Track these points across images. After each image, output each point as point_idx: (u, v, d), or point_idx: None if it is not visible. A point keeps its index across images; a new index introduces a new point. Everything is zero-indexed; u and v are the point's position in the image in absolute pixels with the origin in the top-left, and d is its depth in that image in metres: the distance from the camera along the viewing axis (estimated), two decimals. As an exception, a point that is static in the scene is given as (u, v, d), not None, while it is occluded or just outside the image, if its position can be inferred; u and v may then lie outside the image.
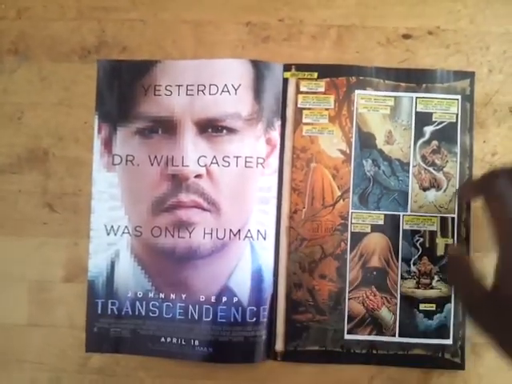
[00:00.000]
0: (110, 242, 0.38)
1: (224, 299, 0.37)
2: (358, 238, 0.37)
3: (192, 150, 0.37)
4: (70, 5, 0.39)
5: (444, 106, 0.37)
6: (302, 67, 0.38)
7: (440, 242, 0.37)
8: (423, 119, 0.37)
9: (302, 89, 0.38)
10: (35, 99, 0.39)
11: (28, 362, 0.38)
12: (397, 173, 0.37)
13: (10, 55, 0.39)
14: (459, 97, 0.37)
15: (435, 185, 0.37)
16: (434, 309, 0.37)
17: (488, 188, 0.29)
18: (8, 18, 0.39)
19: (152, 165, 0.38)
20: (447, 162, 0.37)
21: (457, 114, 0.37)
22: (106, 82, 0.38)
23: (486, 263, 0.37)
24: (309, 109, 0.37)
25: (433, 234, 0.37)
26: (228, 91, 0.37)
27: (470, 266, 0.32)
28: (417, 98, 0.37)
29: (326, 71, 0.37)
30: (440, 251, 0.37)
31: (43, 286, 0.38)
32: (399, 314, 0.37)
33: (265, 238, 0.37)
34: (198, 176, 0.37)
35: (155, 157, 0.38)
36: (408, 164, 0.37)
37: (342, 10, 0.38)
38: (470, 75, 0.37)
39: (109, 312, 0.38)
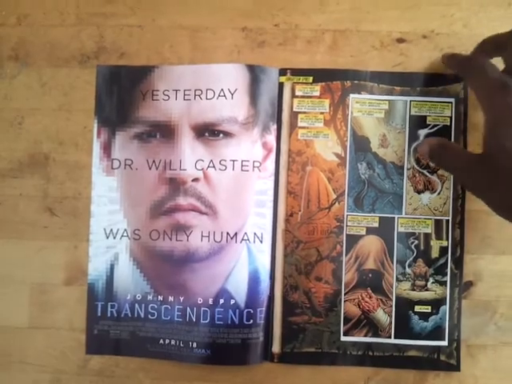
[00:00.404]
0: (110, 246, 0.38)
1: (221, 301, 0.37)
2: (353, 240, 0.38)
3: (189, 154, 0.38)
4: (69, 11, 0.40)
5: (438, 110, 0.37)
6: (297, 72, 0.38)
7: (434, 245, 0.37)
8: (417, 122, 0.38)
9: (298, 93, 0.38)
10: (35, 105, 0.40)
11: (29, 363, 0.39)
12: (391, 176, 0.38)
13: (10, 61, 0.40)
14: (453, 100, 0.38)
15: (429, 187, 0.38)
16: (429, 311, 0.37)
17: (468, 68, 0.33)
18: (8, 25, 0.40)
19: (150, 169, 0.38)
20: (441, 164, 0.38)
21: (451, 117, 0.38)
22: (105, 87, 0.39)
23: (481, 265, 0.38)
24: (304, 113, 0.38)
25: (427, 236, 0.37)
26: (224, 96, 0.38)
27: (451, 144, 0.35)
28: (411, 101, 0.38)
29: (321, 75, 0.38)
30: (435, 253, 0.37)
31: (44, 289, 0.39)
32: (395, 315, 0.37)
33: (261, 241, 0.37)
34: (196, 180, 0.38)
35: (153, 161, 0.38)
36: (402, 167, 0.38)
37: (336, 15, 0.39)
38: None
39: (108, 314, 0.38)
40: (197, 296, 0.38)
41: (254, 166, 0.38)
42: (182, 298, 0.38)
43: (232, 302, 0.37)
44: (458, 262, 0.37)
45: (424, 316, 0.37)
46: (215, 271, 0.38)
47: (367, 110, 0.38)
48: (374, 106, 0.38)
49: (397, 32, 0.38)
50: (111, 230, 0.38)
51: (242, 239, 0.37)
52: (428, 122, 0.37)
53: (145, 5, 0.40)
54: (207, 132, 0.38)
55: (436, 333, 0.37)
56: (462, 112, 0.37)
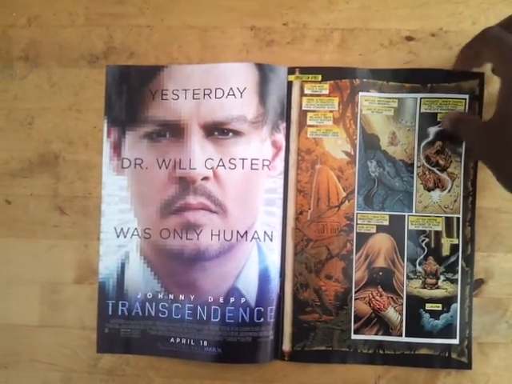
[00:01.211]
0: (120, 244, 0.39)
1: (232, 300, 0.37)
2: (363, 238, 0.38)
3: (199, 153, 0.38)
4: (78, 12, 0.40)
5: (450, 106, 0.37)
6: (305, 70, 0.38)
7: (445, 242, 0.37)
8: (427, 120, 0.38)
9: (307, 91, 0.38)
10: (45, 105, 0.40)
11: (40, 362, 0.39)
12: (401, 173, 0.38)
13: (20, 62, 0.40)
14: (467, 96, 0.37)
15: (440, 185, 0.38)
16: (440, 309, 0.37)
17: (483, 39, 0.32)
18: (18, 26, 0.40)
19: (160, 168, 0.38)
20: (451, 162, 0.37)
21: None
22: (115, 87, 0.39)
23: (492, 263, 0.37)
24: (313, 111, 0.38)
25: (438, 234, 0.37)
26: (234, 95, 0.38)
27: (469, 116, 0.36)
28: (421, 98, 0.38)
29: (329, 74, 0.38)
30: (445, 251, 0.37)
31: (54, 288, 0.39)
32: (405, 313, 0.37)
33: (271, 240, 0.37)
34: (205, 178, 0.38)
35: (163, 160, 0.38)
36: (412, 165, 0.38)
37: (344, 14, 0.39)
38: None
39: (119, 313, 0.38)
40: (207, 294, 0.38)
41: (263, 165, 0.38)
42: (192, 297, 0.38)
43: (242, 300, 0.37)
44: (469, 260, 0.37)
45: (435, 314, 0.37)
46: (225, 270, 0.38)
47: (376, 108, 0.38)
48: (384, 104, 0.38)
49: (405, 30, 0.39)
50: (122, 228, 0.39)
51: (252, 237, 0.37)
52: (439, 119, 0.37)
53: (153, 5, 0.40)
54: (216, 131, 0.38)
55: (447, 331, 0.37)
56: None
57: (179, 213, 0.38)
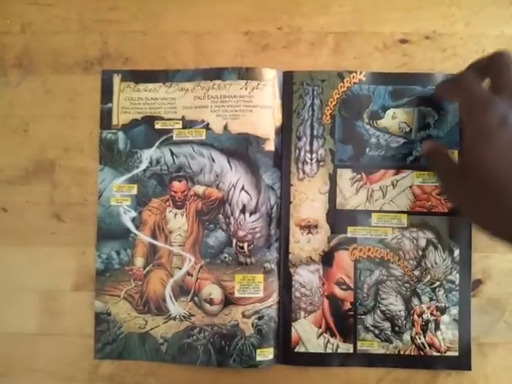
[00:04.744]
0: (117, 251, 0.39)
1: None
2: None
3: None
4: (72, 18, 0.40)
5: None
6: None
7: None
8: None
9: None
10: (40, 111, 0.40)
11: (39, 370, 0.39)
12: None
13: (14, 69, 0.40)
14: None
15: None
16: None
17: (457, 83, 0.33)
18: (12, 33, 0.40)
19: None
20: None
21: None
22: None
23: (490, 263, 0.38)
24: None
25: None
26: None
27: (444, 151, 0.35)
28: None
29: None
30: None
31: (53, 295, 0.39)
32: (404, 315, 0.37)
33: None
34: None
35: None
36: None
37: (339, 17, 0.39)
38: None
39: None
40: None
41: None
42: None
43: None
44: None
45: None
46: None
47: None
48: None
49: (399, 33, 0.39)
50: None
51: None
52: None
53: (147, 11, 0.40)
54: None
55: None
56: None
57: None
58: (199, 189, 0.38)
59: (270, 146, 0.37)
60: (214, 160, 0.38)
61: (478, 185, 0.29)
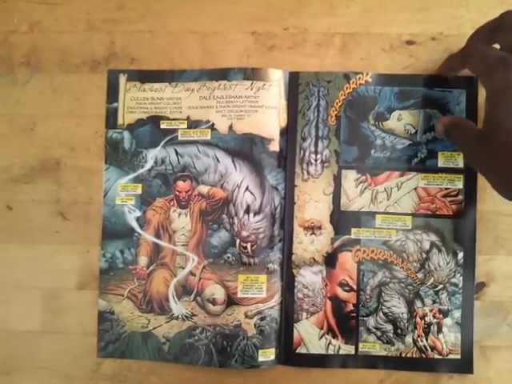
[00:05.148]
0: (121, 249, 0.39)
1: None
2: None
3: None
4: (80, 17, 0.40)
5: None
6: None
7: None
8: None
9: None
10: (47, 110, 0.40)
11: (42, 368, 0.39)
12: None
13: (22, 67, 0.40)
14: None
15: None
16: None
17: (467, 55, 0.33)
18: (20, 32, 0.40)
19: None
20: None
21: None
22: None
23: (494, 266, 0.37)
24: None
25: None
26: None
27: (462, 120, 0.35)
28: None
29: None
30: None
31: (56, 294, 0.39)
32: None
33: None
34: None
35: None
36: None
37: (345, 18, 0.39)
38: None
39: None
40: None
41: None
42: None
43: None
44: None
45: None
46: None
47: None
48: None
49: (406, 34, 0.39)
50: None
51: None
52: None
53: (154, 10, 0.40)
54: None
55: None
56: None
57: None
58: (203, 189, 0.38)
59: (275, 147, 0.37)
60: (218, 160, 0.38)
61: (504, 145, 0.28)
